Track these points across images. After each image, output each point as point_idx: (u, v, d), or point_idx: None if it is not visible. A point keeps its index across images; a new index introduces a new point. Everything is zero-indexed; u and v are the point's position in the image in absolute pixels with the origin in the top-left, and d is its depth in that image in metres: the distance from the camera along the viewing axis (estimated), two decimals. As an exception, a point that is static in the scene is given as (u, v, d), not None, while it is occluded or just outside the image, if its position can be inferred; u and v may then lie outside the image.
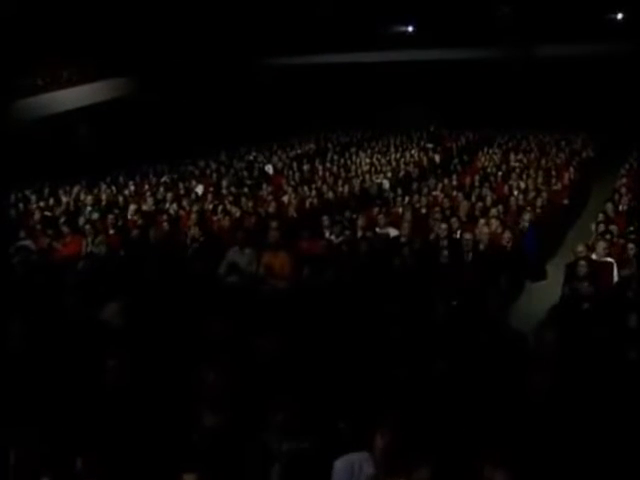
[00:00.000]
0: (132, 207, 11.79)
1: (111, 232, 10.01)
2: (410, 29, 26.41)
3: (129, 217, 11.27)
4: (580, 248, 8.18)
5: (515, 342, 4.80)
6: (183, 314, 5.19)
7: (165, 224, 9.75)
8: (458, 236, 9.27)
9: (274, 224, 9.16)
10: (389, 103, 28.18)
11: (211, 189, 14.93)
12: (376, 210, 11.01)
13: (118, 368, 3.87)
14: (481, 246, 8.30)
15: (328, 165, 17.96)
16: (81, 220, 10.18)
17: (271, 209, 11.65)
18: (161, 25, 24.14)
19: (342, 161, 18.55)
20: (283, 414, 3.34)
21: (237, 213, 11.69)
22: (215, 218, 11.20)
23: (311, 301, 6.02)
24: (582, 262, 7.00)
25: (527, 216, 10.52)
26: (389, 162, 17.88)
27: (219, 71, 27.06)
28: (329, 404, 3.82)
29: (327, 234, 9.76)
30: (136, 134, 24.26)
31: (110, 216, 10.26)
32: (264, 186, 14.70)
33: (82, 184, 15.81)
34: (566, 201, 13.00)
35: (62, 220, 10.34)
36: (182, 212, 12.17)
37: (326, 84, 27.44)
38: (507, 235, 9.02)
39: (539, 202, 11.61)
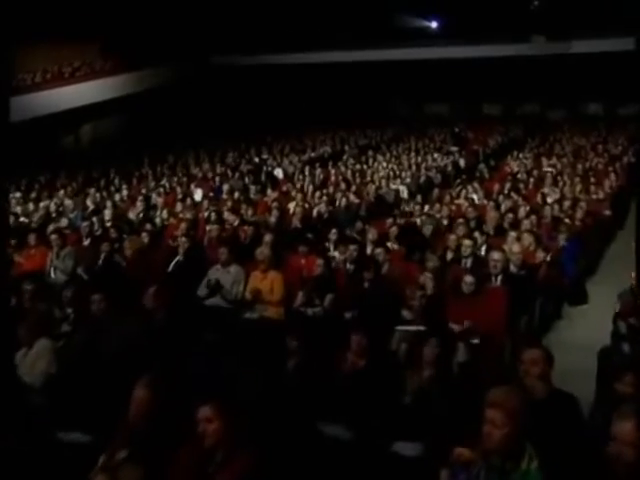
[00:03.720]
0: (107, 212, 10.66)
1: (85, 243, 8.92)
2: (434, 25, 25.20)
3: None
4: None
5: (563, 413, 3.55)
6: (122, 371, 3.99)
7: (145, 235, 8.60)
8: (483, 252, 8.09)
9: (267, 238, 8.01)
10: (410, 102, 27.21)
11: (211, 194, 13.87)
12: (390, 221, 9.80)
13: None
14: (512, 267, 7.04)
15: (342, 170, 16.79)
16: (50, 228, 9.07)
17: (272, 218, 10.47)
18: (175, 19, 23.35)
19: (358, 166, 17.38)
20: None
21: (235, 222, 10.62)
22: (208, 228, 10.05)
23: (302, 338, 4.77)
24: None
25: (564, 229, 9.37)
26: (409, 166, 16.68)
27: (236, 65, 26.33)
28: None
29: (332, 249, 8.61)
30: (139, 132, 23.48)
31: (84, 224, 9.14)
32: (269, 192, 13.54)
33: (73, 186, 14.84)
34: (607, 211, 11.71)
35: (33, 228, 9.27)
36: (173, 220, 11.09)
37: (342, 82, 26.36)
38: (541, 254, 7.82)
39: (578, 213, 10.33)
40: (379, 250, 7.24)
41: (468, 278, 5.88)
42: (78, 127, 24.43)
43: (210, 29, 24.46)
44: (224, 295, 7.03)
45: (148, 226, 9.70)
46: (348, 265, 7.47)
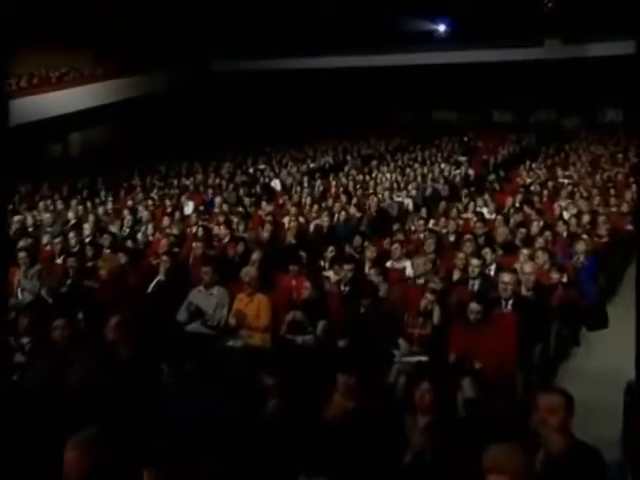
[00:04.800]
0: (87, 226, 10.29)
1: (58, 261, 8.51)
2: (441, 28, 24.97)
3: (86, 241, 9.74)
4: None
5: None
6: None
7: (122, 254, 8.19)
8: (492, 272, 7.65)
9: (255, 256, 7.61)
10: (416, 109, 26.88)
11: (201, 207, 13.48)
12: (388, 240, 9.37)
13: None
14: (524, 289, 6.60)
15: (344, 181, 16.40)
16: (20, 244, 8.64)
17: (264, 234, 10.05)
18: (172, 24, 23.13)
19: (360, 177, 17.00)
20: None
21: (226, 238, 10.23)
22: (194, 244, 9.62)
23: (281, 375, 4.33)
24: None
25: (582, 246, 8.88)
26: (414, 178, 16.28)
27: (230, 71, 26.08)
28: None
29: (327, 268, 8.19)
30: (131, 141, 23.18)
31: (56, 240, 8.72)
32: (263, 204, 13.14)
33: (54, 198, 14.47)
34: (629, 226, 11.26)
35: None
36: (159, 235, 10.68)
37: (345, 89, 26.06)
38: (556, 274, 7.38)
39: (597, 228, 9.96)
40: (373, 271, 6.79)
41: (474, 306, 5.44)
42: (67, 135, 24.17)
43: (208, 32, 24.27)
44: (205, 321, 6.63)
45: (129, 243, 9.29)
46: (343, 287, 7.05)
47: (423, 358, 5.58)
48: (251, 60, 26.27)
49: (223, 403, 4.69)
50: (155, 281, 7.74)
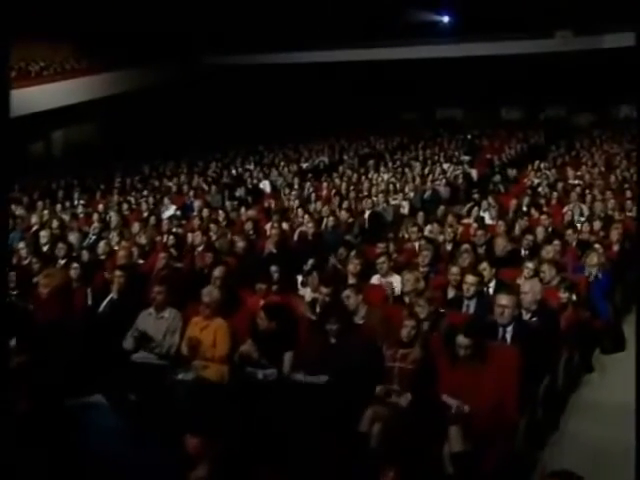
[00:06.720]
0: (44, 234, 9.58)
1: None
2: (445, 19, 24.58)
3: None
4: None
5: None
6: None
7: (74, 267, 7.42)
8: (491, 290, 6.86)
9: (218, 272, 6.79)
10: (419, 106, 26.25)
11: (178, 212, 12.75)
12: (382, 246, 8.61)
13: None
14: (525, 314, 5.79)
15: (337, 182, 15.69)
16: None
17: (240, 243, 9.26)
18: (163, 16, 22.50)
19: (355, 177, 16.29)
20: None
21: (201, 246, 9.58)
22: (161, 255, 8.84)
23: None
24: None
25: (594, 258, 8.11)
26: (413, 178, 15.56)
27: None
28: None
29: (303, 285, 7.40)
30: (117, 139, 22.56)
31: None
32: (242, 210, 12.40)
33: (23, 201, 13.80)
34: (649, 233, 10.55)
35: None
36: (125, 244, 9.92)
37: (344, 84, 25.51)
38: (565, 294, 6.66)
39: (615, 235, 9.25)
40: (348, 292, 5.95)
41: (462, 340, 4.60)
42: (47, 133, 23.56)
43: (200, 25, 23.69)
44: (153, 348, 5.85)
45: (84, 254, 8.52)
46: (319, 309, 6.23)
47: (402, 401, 4.80)
48: (245, 54, 25.84)
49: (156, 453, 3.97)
50: (107, 300, 7.00)
